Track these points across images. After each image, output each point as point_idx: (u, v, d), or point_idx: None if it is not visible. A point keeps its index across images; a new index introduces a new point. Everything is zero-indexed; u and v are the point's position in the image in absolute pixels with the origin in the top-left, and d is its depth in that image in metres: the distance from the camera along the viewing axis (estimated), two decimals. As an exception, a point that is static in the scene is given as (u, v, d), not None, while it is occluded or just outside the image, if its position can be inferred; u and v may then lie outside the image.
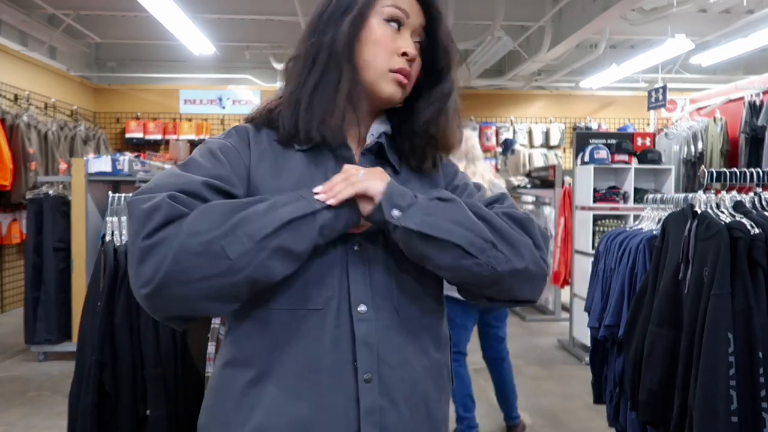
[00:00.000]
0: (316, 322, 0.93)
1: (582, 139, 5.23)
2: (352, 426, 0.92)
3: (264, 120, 1.03)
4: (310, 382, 0.91)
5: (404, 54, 0.99)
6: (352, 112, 1.01)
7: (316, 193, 0.90)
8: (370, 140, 1.04)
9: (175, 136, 8.78)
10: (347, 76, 0.97)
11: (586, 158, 4.88)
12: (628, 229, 2.86)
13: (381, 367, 0.94)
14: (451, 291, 1.04)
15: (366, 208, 0.91)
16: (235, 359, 0.95)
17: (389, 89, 0.99)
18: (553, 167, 6.26)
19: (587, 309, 2.97)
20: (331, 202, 0.89)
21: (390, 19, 0.99)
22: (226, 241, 0.83)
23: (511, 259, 0.93)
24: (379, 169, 0.95)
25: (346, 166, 0.95)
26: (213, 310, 0.87)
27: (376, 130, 1.05)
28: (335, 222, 0.90)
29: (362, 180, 0.91)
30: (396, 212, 0.90)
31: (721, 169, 2.25)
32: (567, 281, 5.32)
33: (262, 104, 1.06)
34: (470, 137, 3.14)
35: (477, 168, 3.05)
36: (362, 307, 0.94)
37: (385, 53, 0.99)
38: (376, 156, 1.04)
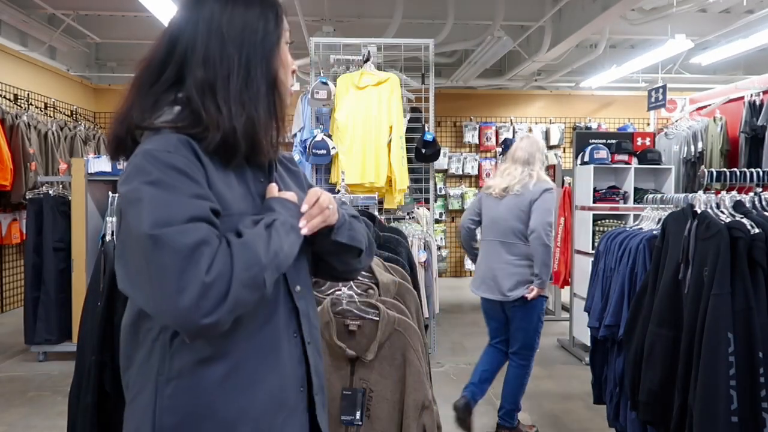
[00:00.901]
0: (270, 306, 1.11)
1: (582, 139, 5.23)
2: (303, 381, 1.17)
3: (194, 134, 1.06)
4: (275, 359, 1.11)
5: (293, 72, 1.24)
6: None
7: (294, 217, 1.11)
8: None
9: (175, 136, 8.78)
10: (278, 95, 1.17)
11: (586, 158, 4.88)
12: (628, 229, 2.86)
13: (312, 331, 1.21)
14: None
15: (323, 229, 1.17)
16: (209, 357, 1.05)
17: (289, 101, 1.21)
18: (553, 167, 6.26)
19: (587, 309, 2.97)
20: (305, 232, 1.12)
21: (287, 42, 1.20)
22: (267, 273, 1.00)
23: (368, 258, 1.33)
24: (334, 202, 1.19)
25: (316, 195, 1.16)
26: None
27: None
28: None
29: (332, 214, 1.17)
30: (336, 231, 1.20)
31: (721, 169, 2.25)
32: (567, 281, 5.32)
33: (175, 115, 1.09)
34: (532, 144, 3.41)
35: (534, 169, 3.34)
36: (297, 288, 1.18)
37: (290, 72, 1.22)
38: (269, 165, 1.20)
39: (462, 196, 9.49)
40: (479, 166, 9.49)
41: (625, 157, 4.88)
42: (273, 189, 1.14)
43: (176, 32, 1.12)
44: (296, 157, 5.54)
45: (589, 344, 3.18)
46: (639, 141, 5.12)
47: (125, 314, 1.13)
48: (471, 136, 9.47)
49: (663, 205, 2.69)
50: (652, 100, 6.68)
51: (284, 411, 1.12)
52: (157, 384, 1.05)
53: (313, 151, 4.60)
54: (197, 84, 1.08)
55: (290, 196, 1.14)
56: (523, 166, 3.33)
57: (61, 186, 4.96)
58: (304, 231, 1.11)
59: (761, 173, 2.29)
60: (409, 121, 5.02)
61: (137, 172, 0.99)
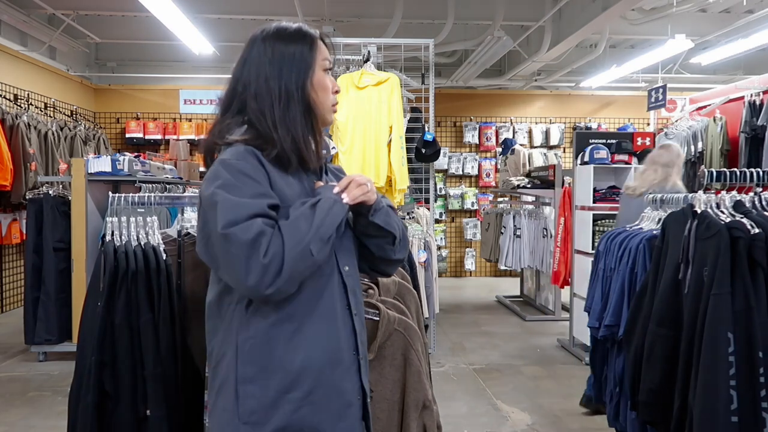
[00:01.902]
0: (325, 280, 1.37)
1: (582, 139, 5.23)
2: (353, 347, 1.41)
3: (257, 145, 1.35)
4: (330, 324, 1.36)
5: (336, 92, 1.49)
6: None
7: (337, 193, 1.36)
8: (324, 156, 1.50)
9: (175, 136, 8.78)
10: (314, 116, 1.43)
11: (586, 158, 4.88)
12: (628, 229, 2.86)
13: (358, 306, 1.46)
14: None
15: (363, 207, 1.42)
16: (277, 320, 1.30)
17: (331, 118, 1.50)
18: (553, 167, 6.26)
19: (587, 309, 2.97)
20: (347, 200, 1.36)
21: (327, 68, 1.46)
22: (312, 245, 1.26)
23: (401, 251, 1.54)
24: (372, 182, 1.44)
25: (351, 177, 1.41)
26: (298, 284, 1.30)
27: (325, 147, 1.51)
28: (346, 215, 1.38)
29: (370, 192, 1.41)
30: (373, 212, 1.43)
31: (721, 169, 2.25)
32: (567, 281, 5.32)
33: (243, 133, 1.38)
34: (673, 152, 3.69)
35: (671, 174, 3.59)
36: (346, 268, 1.42)
37: (329, 93, 1.46)
38: (320, 169, 1.48)
39: (462, 196, 9.49)
40: (479, 166, 9.49)
41: (625, 157, 4.88)
42: (320, 183, 1.42)
43: (237, 72, 1.43)
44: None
45: (589, 344, 3.18)
46: (639, 141, 5.12)
47: (209, 294, 1.40)
48: (471, 136, 9.48)
49: (663, 205, 2.70)
50: (652, 100, 6.68)
51: (340, 368, 1.36)
52: (238, 343, 1.30)
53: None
54: (253, 112, 1.38)
55: (334, 185, 1.40)
56: (663, 169, 3.57)
57: (61, 186, 4.96)
58: (346, 200, 1.35)
59: (761, 173, 2.29)
60: (409, 121, 5.02)
61: (214, 177, 1.29)
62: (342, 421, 1.35)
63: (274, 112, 1.37)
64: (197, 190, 3.19)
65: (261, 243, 1.21)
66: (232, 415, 1.28)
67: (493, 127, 9.50)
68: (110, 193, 2.35)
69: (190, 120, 9.02)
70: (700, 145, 6.92)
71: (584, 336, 4.44)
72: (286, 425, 1.27)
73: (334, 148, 4.60)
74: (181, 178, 5.79)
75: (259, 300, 1.27)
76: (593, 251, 3.84)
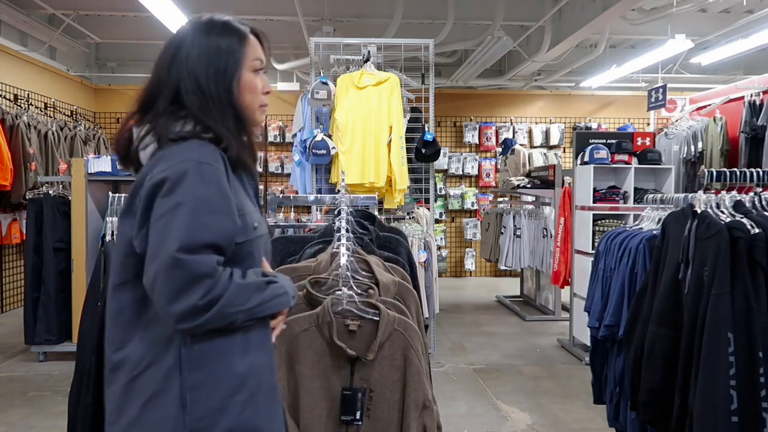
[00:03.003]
0: None
1: (582, 139, 5.23)
2: None
3: (222, 145, 1.31)
4: (268, 329, 1.38)
5: (267, 92, 1.43)
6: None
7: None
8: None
9: (175, 136, 8.77)
10: (244, 116, 1.38)
11: (586, 158, 4.88)
12: (628, 229, 2.86)
13: None
14: None
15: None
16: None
17: (261, 118, 1.44)
18: (553, 167, 6.26)
19: (587, 309, 2.97)
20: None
21: (258, 69, 1.40)
22: (242, 314, 1.24)
23: None
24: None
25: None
26: None
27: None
28: (285, 310, 1.38)
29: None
30: None
31: (721, 169, 2.25)
32: (567, 281, 5.32)
33: (174, 121, 1.32)
34: None
35: None
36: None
37: (258, 95, 1.40)
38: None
39: (462, 196, 9.49)
40: (479, 166, 9.48)
41: (625, 157, 4.88)
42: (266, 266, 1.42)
43: (163, 66, 1.35)
44: (296, 157, 5.54)
45: (589, 344, 3.18)
46: (639, 141, 5.12)
47: (119, 295, 1.29)
48: (471, 136, 9.47)
49: (663, 205, 2.70)
50: (652, 100, 6.68)
51: (274, 372, 1.41)
52: (181, 351, 1.25)
53: (313, 151, 4.60)
54: (199, 109, 1.31)
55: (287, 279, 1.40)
56: None
57: (61, 186, 4.95)
58: (291, 303, 1.38)
59: (761, 173, 2.29)
60: (409, 121, 5.01)
61: (185, 180, 1.21)
62: (274, 420, 1.38)
63: (214, 112, 1.32)
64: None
65: (204, 284, 1.17)
66: (175, 424, 1.23)
67: (493, 127, 9.50)
68: (110, 193, 2.36)
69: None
70: (700, 145, 6.92)
71: (584, 336, 4.44)
72: (232, 427, 1.27)
73: (334, 148, 4.60)
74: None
75: (167, 322, 1.21)
76: (593, 251, 3.84)
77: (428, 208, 5.34)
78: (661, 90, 6.52)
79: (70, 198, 4.68)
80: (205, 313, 1.18)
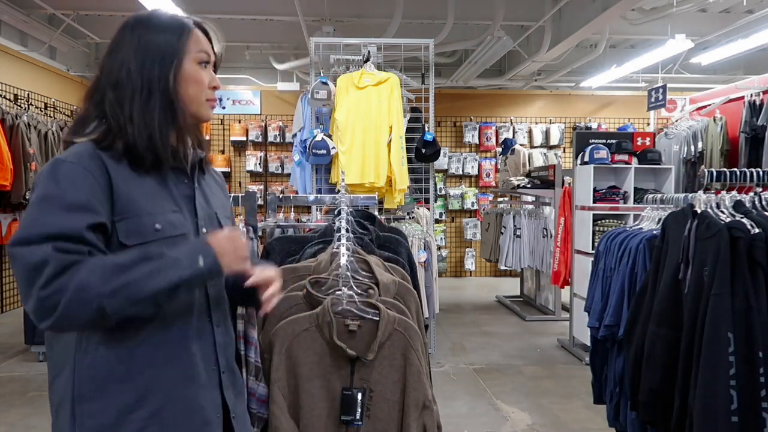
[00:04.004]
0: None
1: (582, 139, 5.23)
2: (213, 362, 1.32)
3: (106, 144, 1.23)
4: (183, 338, 1.26)
5: (214, 87, 1.36)
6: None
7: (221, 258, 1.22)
8: (192, 156, 1.36)
9: (175, 136, 8.78)
10: (180, 111, 1.30)
11: (586, 158, 4.88)
12: (628, 229, 2.86)
13: (221, 317, 1.36)
14: None
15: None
16: (122, 332, 1.19)
17: (206, 114, 1.36)
18: (553, 167, 6.26)
19: (587, 309, 2.97)
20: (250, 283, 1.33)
21: (204, 61, 1.34)
22: (105, 301, 1.09)
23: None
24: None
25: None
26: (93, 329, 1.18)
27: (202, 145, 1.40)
28: (198, 282, 1.23)
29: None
30: None
31: (721, 169, 2.25)
32: (567, 281, 5.32)
33: (92, 129, 1.26)
34: None
35: None
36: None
37: (204, 88, 1.33)
38: (192, 167, 1.36)
39: (462, 196, 9.49)
40: (479, 166, 9.49)
41: (625, 157, 4.88)
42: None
43: (102, 61, 1.31)
44: (296, 157, 5.54)
45: (589, 344, 3.18)
46: (639, 141, 5.12)
47: None
48: (471, 136, 9.47)
49: (663, 205, 2.70)
50: (652, 100, 6.68)
51: (195, 384, 1.26)
52: (76, 358, 1.18)
53: (313, 151, 4.60)
54: (110, 103, 1.25)
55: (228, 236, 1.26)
56: None
57: (61, 186, 4.95)
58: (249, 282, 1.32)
59: (761, 173, 2.29)
60: (409, 121, 5.01)
61: (39, 180, 1.17)
62: None
63: (132, 105, 1.25)
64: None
65: (43, 272, 1.07)
66: None
67: (493, 127, 9.50)
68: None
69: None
70: (700, 145, 6.92)
71: (584, 336, 4.44)
72: None
73: (333, 148, 4.60)
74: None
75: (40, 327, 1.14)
76: (593, 251, 3.84)
77: (428, 208, 5.34)
78: (661, 90, 6.52)
79: (70, 198, 4.67)
80: (56, 305, 1.07)
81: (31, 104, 6.86)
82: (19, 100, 6.68)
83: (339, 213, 2.05)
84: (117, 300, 1.10)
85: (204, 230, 1.32)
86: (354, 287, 1.89)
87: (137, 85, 1.26)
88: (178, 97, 1.29)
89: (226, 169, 9.10)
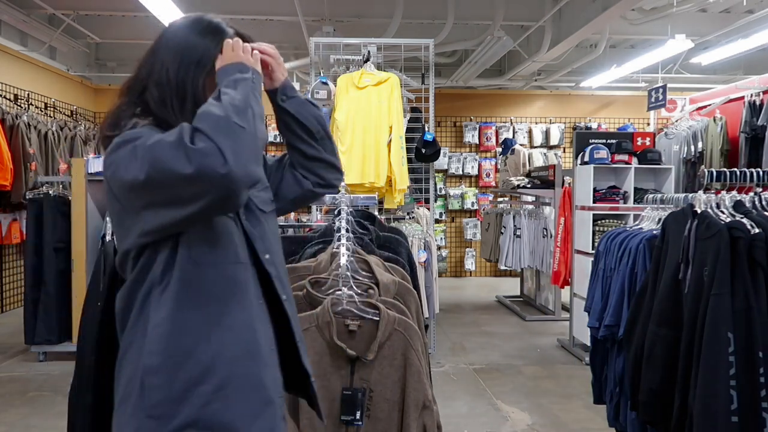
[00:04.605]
0: (241, 270, 1.32)
1: (582, 138, 5.23)
2: (273, 342, 1.35)
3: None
4: (245, 314, 1.30)
5: None
6: None
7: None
8: None
9: (175, 136, 8.78)
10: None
11: (586, 158, 4.88)
12: (628, 229, 2.86)
13: (286, 290, 1.41)
14: None
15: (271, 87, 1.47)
16: (189, 306, 1.25)
17: None
18: (553, 167, 6.26)
19: (587, 309, 2.97)
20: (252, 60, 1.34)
21: None
22: (234, 117, 1.16)
23: (328, 150, 1.52)
24: (279, 57, 1.45)
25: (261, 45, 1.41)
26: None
27: None
28: (256, 78, 1.32)
29: (277, 63, 1.44)
30: (283, 97, 1.46)
31: (721, 169, 2.25)
32: (567, 281, 5.32)
33: (119, 120, 1.32)
34: None
35: None
36: (267, 256, 1.36)
37: None
38: None
39: (462, 196, 9.49)
40: (479, 166, 9.48)
41: (625, 157, 4.88)
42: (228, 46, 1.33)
43: (143, 58, 1.39)
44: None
45: (589, 344, 3.18)
46: (639, 141, 5.11)
47: (120, 291, 1.32)
48: (471, 136, 9.47)
49: (663, 205, 2.69)
50: (652, 100, 6.68)
51: (258, 361, 1.28)
52: (147, 332, 1.23)
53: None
54: (154, 101, 1.32)
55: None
56: None
57: (61, 186, 4.95)
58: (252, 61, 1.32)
59: (761, 173, 2.29)
60: (409, 121, 5.01)
61: (107, 157, 1.24)
62: (259, 420, 1.25)
63: (173, 104, 1.32)
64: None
65: (183, 135, 1.12)
66: (135, 408, 1.21)
67: (493, 127, 9.50)
68: (110, 193, 2.35)
69: (190, 120, 9.00)
70: (700, 145, 6.92)
71: (584, 336, 4.44)
72: (194, 420, 1.19)
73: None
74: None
75: (234, 192, 1.14)
76: (593, 251, 3.84)
77: (428, 208, 5.34)
78: (661, 90, 6.52)
79: (70, 198, 4.67)
80: (216, 147, 1.10)
81: (31, 104, 6.86)
82: (19, 100, 6.68)
83: (339, 213, 2.05)
84: (238, 114, 1.15)
85: (243, 217, 1.36)
86: (354, 287, 1.89)
87: (173, 87, 1.32)
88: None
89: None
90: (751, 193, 2.17)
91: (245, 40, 1.38)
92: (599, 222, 4.76)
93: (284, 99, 1.45)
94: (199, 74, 1.33)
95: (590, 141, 5.06)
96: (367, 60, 4.73)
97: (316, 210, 4.27)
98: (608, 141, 5.05)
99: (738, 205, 2.08)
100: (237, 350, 1.25)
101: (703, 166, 6.76)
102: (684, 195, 2.48)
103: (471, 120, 9.55)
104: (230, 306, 1.26)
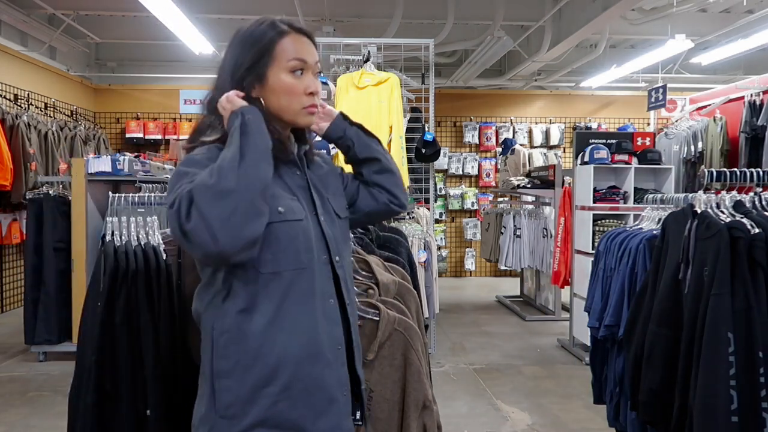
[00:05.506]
0: (309, 274, 1.35)
1: (582, 138, 5.23)
2: (341, 340, 1.39)
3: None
4: (309, 316, 1.33)
5: (311, 93, 1.38)
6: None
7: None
8: (298, 150, 1.46)
9: (175, 136, 8.77)
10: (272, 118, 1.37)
11: (586, 158, 4.88)
12: (628, 229, 2.86)
13: (351, 295, 1.46)
14: None
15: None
16: (253, 311, 1.29)
17: (305, 120, 1.40)
18: (553, 167, 6.26)
19: (587, 309, 2.97)
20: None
21: (295, 69, 1.35)
22: (224, 181, 1.19)
23: (391, 170, 1.59)
24: (324, 105, 1.53)
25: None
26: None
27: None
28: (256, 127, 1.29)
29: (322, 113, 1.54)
30: (350, 144, 1.60)
31: (721, 169, 2.25)
32: (567, 281, 5.32)
33: (199, 133, 1.38)
34: None
35: None
36: (337, 258, 1.40)
37: (296, 97, 1.36)
38: (300, 160, 1.46)
39: (462, 196, 9.49)
40: (479, 166, 9.49)
41: (625, 157, 4.88)
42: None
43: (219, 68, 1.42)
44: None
45: (589, 344, 3.18)
46: (639, 141, 5.11)
47: (196, 289, 1.40)
48: (471, 136, 9.48)
49: (663, 205, 2.69)
50: (652, 100, 6.68)
51: (320, 362, 1.32)
52: (213, 337, 1.30)
53: (313, 150, 4.59)
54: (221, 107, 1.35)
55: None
56: None
57: (61, 186, 4.95)
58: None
59: (761, 173, 2.29)
60: (409, 121, 5.01)
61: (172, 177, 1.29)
62: (323, 417, 1.31)
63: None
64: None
65: (181, 209, 1.15)
66: (208, 408, 1.29)
67: (493, 127, 9.50)
68: (110, 193, 2.36)
69: (190, 120, 9.01)
70: (700, 145, 6.92)
71: (584, 336, 4.44)
72: (263, 419, 1.26)
73: (334, 148, 4.60)
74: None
75: (229, 259, 1.19)
76: (593, 251, 3.84)
77: (428, 208, 5.34)
78: (661, 90, 6.52)
79: (70, 198, 4.67)
80: (205, 224, 1.13)
81: (31, 104, 6.86)
82: (19, 100, 6.68)
83: (339, 213, 2.05)
84: (223, 175, 1.17)
85: (322, 218, 1.40)
86: (354, 287, 1.89)
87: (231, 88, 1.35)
88: (269, 108, 1.35)
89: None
90: (751, 193, 2.17)
91: (308, 36, 1.39)
92: (599, 222, 4.76)
93: (338, 141, 1.55)
94: (251, 83, 1.34)
95: (590, 141, 5.06)
96: (367, 60, 4.73)
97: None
98: (608, 141, 5.05)
99: (738, 205, 2.08)
100: (300, 352, 1.30)
101: (703, 166, 6.76)
102: (684, 195, 2.48)
103: (471, 120, 9.55)
104: (292, 310, 1.31)
